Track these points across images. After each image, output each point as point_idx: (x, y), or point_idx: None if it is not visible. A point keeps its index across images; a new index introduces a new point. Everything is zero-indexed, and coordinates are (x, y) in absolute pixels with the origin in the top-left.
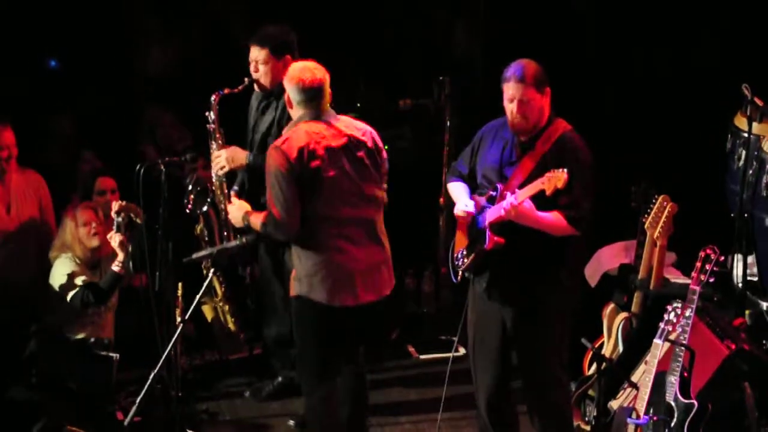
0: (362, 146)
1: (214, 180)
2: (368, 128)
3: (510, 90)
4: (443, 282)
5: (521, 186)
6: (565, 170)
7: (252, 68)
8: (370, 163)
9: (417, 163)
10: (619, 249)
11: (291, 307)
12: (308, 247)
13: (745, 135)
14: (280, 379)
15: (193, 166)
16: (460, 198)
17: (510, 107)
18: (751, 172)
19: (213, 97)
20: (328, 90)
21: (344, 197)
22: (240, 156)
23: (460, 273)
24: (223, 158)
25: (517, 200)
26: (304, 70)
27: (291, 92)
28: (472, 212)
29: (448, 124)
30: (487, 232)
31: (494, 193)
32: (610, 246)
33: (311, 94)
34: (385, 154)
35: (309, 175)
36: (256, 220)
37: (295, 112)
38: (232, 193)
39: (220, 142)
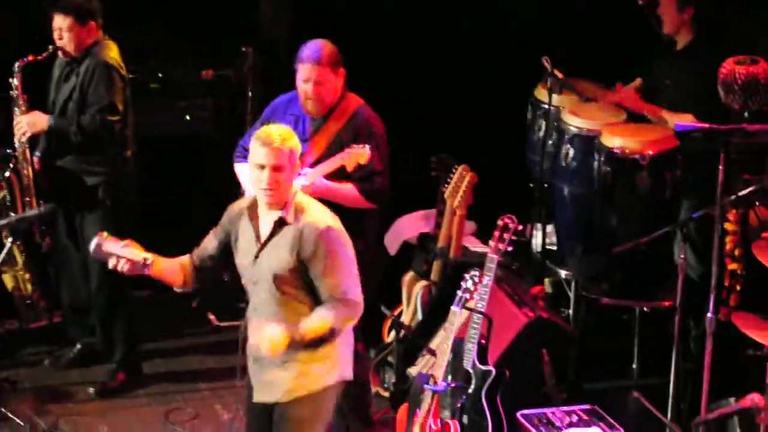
0: None
1: (17, 146)
2: None
3: (305, 71)
4: None
5: (314, 164)
6: (367, 146)
7: (56, 36)
8: None
9: (218, 133)
10: (419, 218)
11: (90, 274)
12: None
13: (545, 106)
14: (79, 346)
15: None
16: (249, 185)
17: (304, 88)
18: (551, 142)
19: (16, 64)
20: None
21: None
22: (41, 120)
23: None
24: (24, 123)
25: (308, 181)
26: None
27: None
28: None
29: (250, 95)
30: None
31: None
32: (410, 215)
33: None
34: None
35: None
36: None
37: None
38: (35, 159)
39: (23, 108)
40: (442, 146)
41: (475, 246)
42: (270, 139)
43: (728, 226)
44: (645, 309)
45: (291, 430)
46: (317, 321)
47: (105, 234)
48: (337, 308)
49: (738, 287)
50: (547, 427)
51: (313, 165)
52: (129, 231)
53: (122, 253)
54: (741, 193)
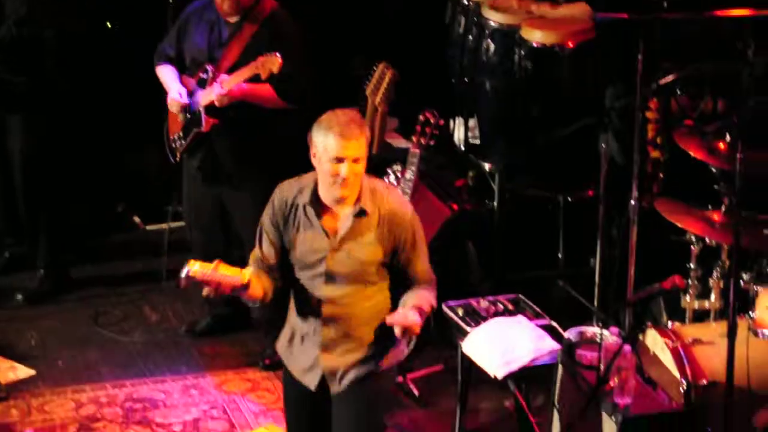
0: None
1: None
2: None
3: None
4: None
5: (232, 68)
6: (279, 54)
7: None
8: None
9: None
10: None
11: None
12: None
13: (465, 3)
14: (7, 255)
15: None
16: (172, 85)
17: None
18: (471, 38)
19: None
20: None
21: None
22: None
23: (178, 155)
24: None
25: (224, 89)
26: None
27: None
28: (186, 102)
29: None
30: (203, 115)
31: (204, 76)
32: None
33: None
34: None
35: None
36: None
37: None
38: None
39: None
40: (362, 44)
41: (397, 142)
42: (348, 131)
43: (649, 114)
44: (569, 199)
45: (357, 412)
46: (427, 301)
47: (192, 261)
48: (431, 290)
49: (660, 175)
50: (473, 316)
51: (229, 71)
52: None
53: (218, 278)
54: (661, 82)
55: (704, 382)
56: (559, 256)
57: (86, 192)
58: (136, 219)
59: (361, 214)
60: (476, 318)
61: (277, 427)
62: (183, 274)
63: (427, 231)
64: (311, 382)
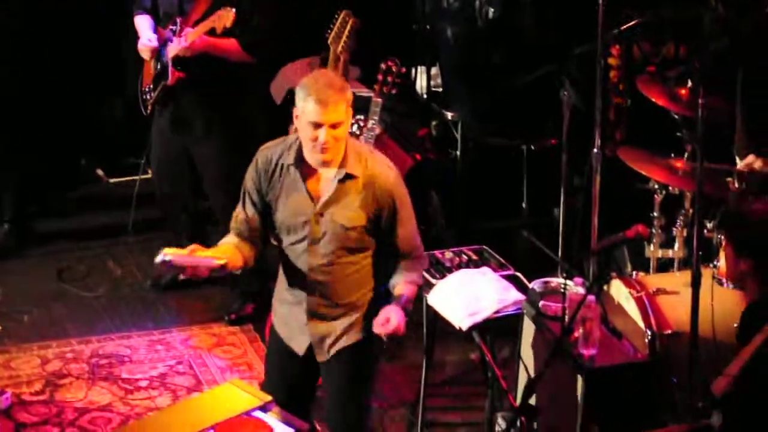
0: None
1: None
2: None
3: None
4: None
5: (198, 21)
6: (232, 9)
7: None
8: None
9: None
10: (303, 66)
11: None
12: None
13: None
14: None
15: None
16: (144, 33)
17: None
18: None
19: None
20: None
21: None
22: None
23: (149, 106)
24: None
25: (186, 42)
26: None
27: None
28: (155, 46)
29: None
30: (169, 68)
31: (174, 28)
32: (294, 63)
33: None
34: None
35: None
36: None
37: None
38: None
39: None
40: None
41: (359, 91)
42: (326, 96)
43: (611, 60)
44: (532, 148)
45: (348, 380)
46: (410, 288)
47: (167, 248)
48: (416, 266)
49: (623, 121)
50: (437, 268)
51: (195, 24)
52: None
53: (194, 262)
54: (623, 28)
55: (669, 331)
56: (523, 206)
57: (49, 145)
58: (100, 172)
59: (345, 178)
60: (441, 270)
61: (243, 381)
62: (158, 261)
63: None
64: (299, 348)
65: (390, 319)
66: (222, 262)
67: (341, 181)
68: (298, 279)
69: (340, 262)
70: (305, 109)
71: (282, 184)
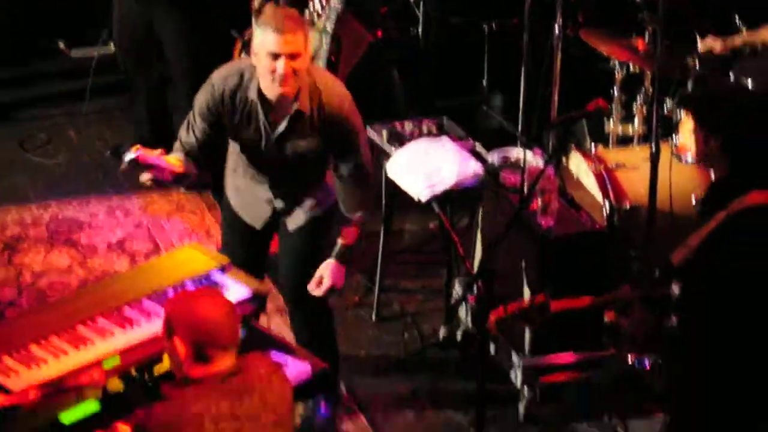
0: None
1: None
2: None
3: None
4: None
5: None
6: None
7: None
8: None
9: None
10: None
11: None
12: None
13: None
14: None
15: None
16: None
17: None
18: None
19: None
20: None
21: None
22: None
23: None
24: None
25: None
26: None
27: None
28: None
29: None
30: None
31: None
32: None
33: None
34: None
35: None
36: None
37: None
38: None
39: None
40: None
41: None
42: (284, 25)
43: None
44: (493, 26)
45: (305, 243)
46: (350, 232)
47: (137, 146)
48: (364, 199)
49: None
50: (397, 138)
51: None
52: None
53: (163, 164)
54: None
55: (627, 205)
56: (484, 83)
57: (10, 18)
58: (61, 44)
59: (297, 115)
60: (400, 140)
61: (201, 245)
62: (128, 158)
63: (351, 57)
64: (256, 222)
65: (323, 280)
66: (182, 170)
67: (293, 117)
68: (257, 180)
69: (297, 177)
70: (264, 40)
71: (241, 114)
